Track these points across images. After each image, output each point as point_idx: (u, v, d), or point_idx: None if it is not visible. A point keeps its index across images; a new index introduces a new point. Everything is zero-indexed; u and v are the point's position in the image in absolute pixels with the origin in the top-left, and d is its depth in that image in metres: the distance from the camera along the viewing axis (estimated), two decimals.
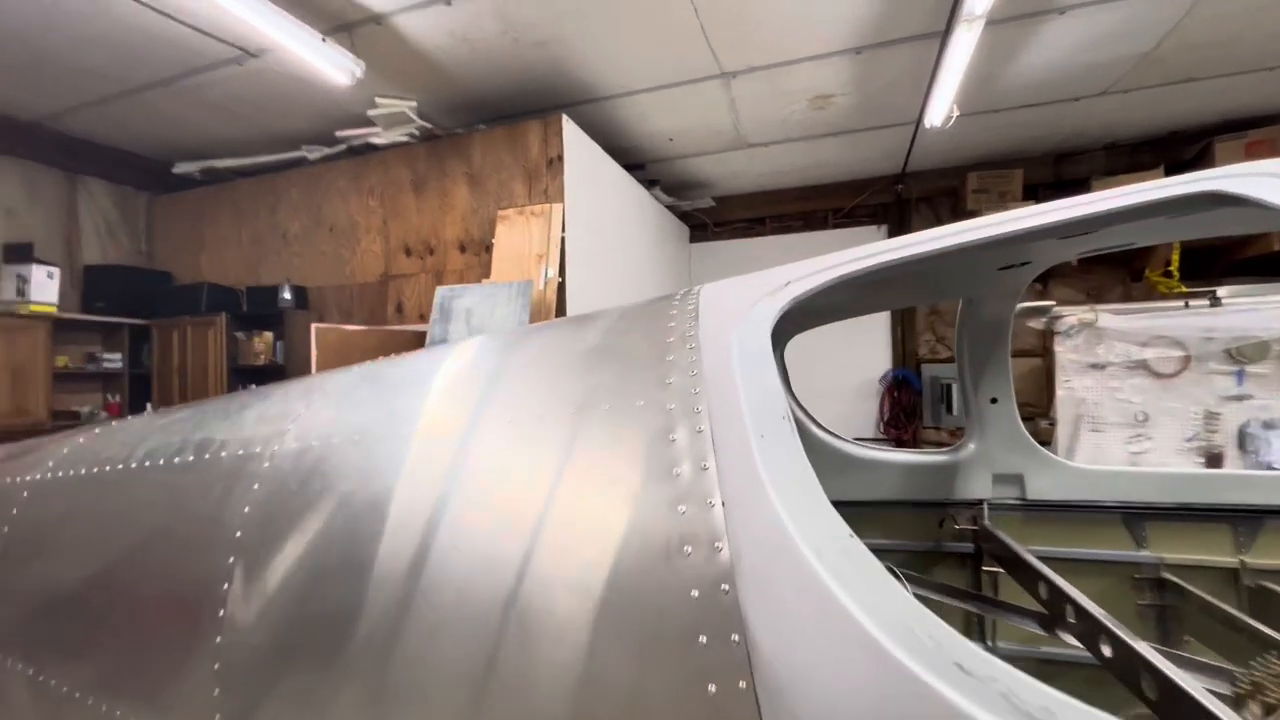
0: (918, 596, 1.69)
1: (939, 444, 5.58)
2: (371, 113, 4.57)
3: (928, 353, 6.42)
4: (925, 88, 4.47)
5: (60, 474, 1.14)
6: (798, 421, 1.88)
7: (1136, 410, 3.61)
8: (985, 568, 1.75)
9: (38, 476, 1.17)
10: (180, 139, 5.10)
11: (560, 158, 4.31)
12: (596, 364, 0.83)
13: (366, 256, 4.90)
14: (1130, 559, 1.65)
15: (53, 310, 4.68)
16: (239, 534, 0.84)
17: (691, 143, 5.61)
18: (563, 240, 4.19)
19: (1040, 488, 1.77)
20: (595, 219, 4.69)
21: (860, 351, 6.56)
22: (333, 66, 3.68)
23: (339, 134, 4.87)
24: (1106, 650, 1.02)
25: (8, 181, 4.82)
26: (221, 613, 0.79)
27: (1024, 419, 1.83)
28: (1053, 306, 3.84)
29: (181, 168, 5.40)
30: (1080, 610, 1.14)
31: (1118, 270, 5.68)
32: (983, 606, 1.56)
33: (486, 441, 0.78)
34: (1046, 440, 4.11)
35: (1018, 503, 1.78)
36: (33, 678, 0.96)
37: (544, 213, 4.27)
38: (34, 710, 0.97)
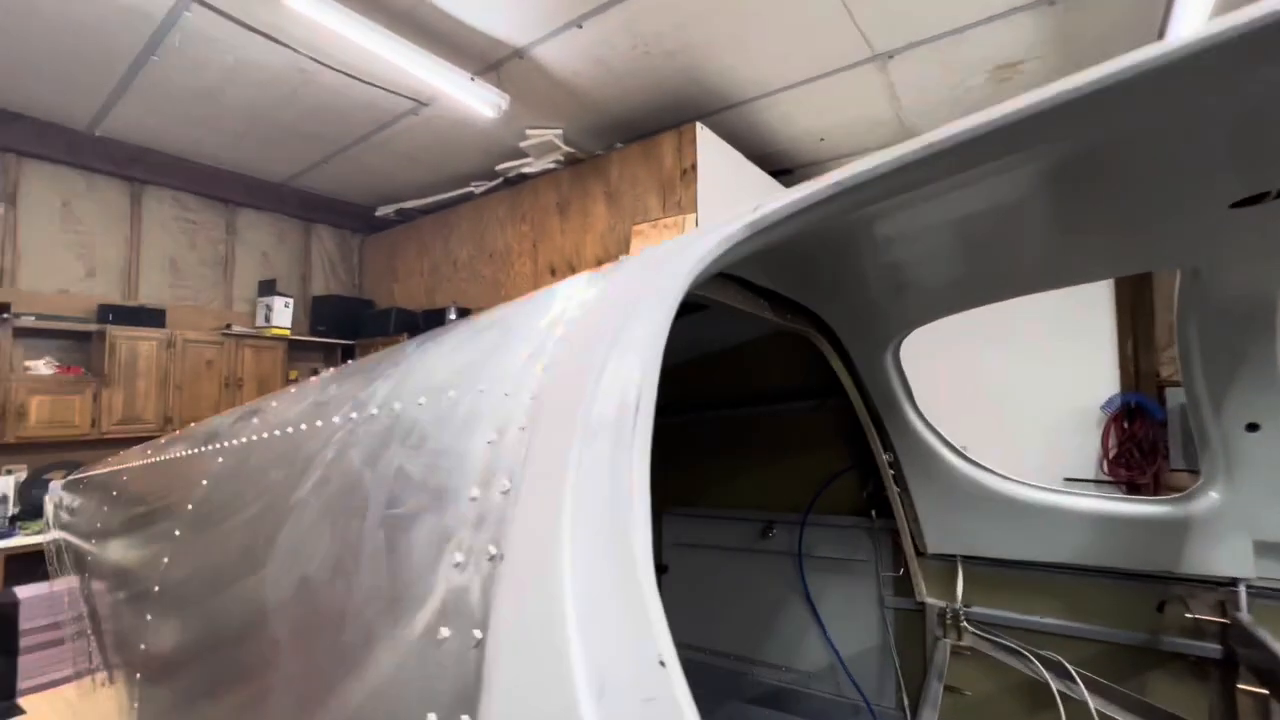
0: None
1: None
2: (523, 144, 4.90)
3: (1175, 372, 4.98)
4: (1156, 35, 3.51)
5: (141, 461, 1.26)
6: (921, 443, 1.43)
7: None
8: (1242, 686, 1.14)
9: (135, 464, 1.31)
10: (379, 186, 5.98)
11: (694, 167, 4.17)
12: (486, 339, 0.63)
13: (518, 278, 5.23)
14: None
15: (287, 333, 5.73)
16: (177, 532, 0.80)
17: (846, 140, 5.11)
18: None
19: None
20: None
21: (1074, 370, 5.32)
22: (481, 102, 4.00)
23: (498, 168, 5.31)
24: None
25: (264, 231, 6.07)
26: (149, 617, 0.74)
27: None
28: None
29: (381, 211, 6.34)
30: None
31: None
32: None
33: (339, 437, 0.63)
34: None
35: None
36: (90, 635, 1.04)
37: (676, 224, 4.15)
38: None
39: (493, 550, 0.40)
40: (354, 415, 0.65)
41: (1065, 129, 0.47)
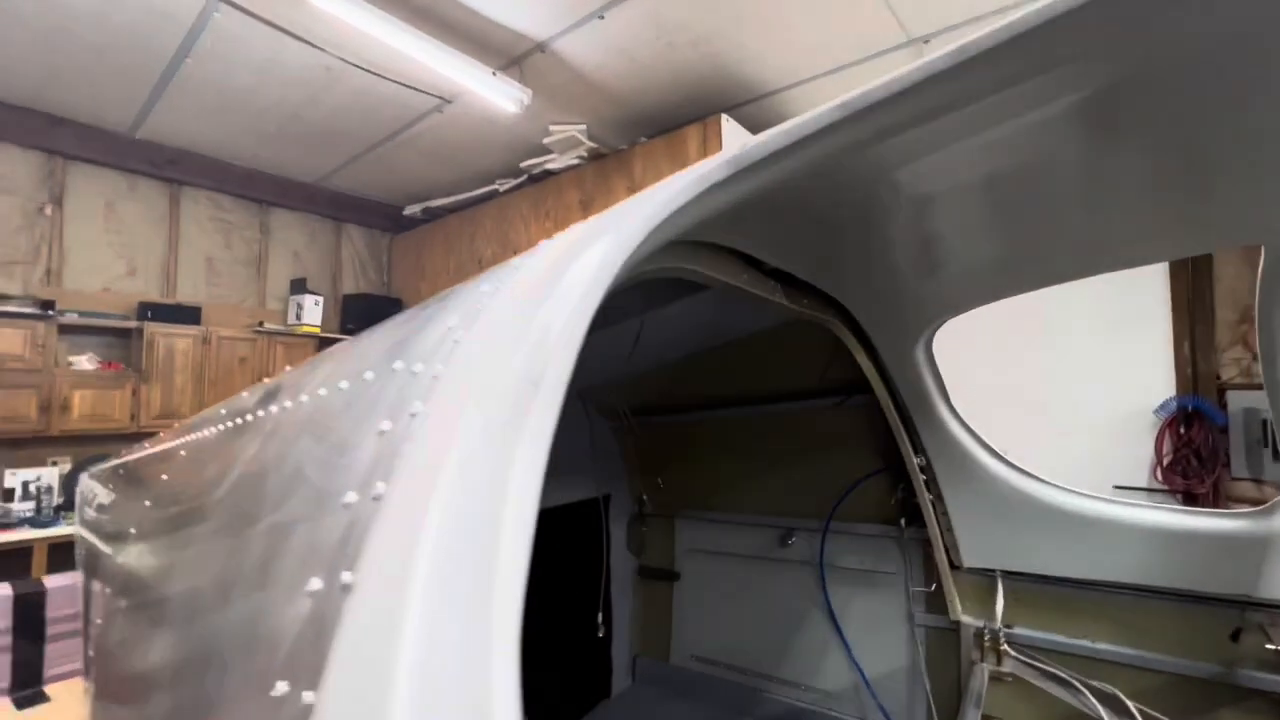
0: None
1: (1256, 503, 3.83)
2: (546, 140, 4.86)
3: (1237, 374, 4.66)
4: None
5: (138, 455, 1.23)
6: (956, 445, 1.29)
7: None
8: None
9: (133, 458, 1.29)
10: (406, 185, 6.03)
11: None
12: (427, 312, 0.56)
13: None
14: None
15: (317, 330, 5.82)
16: (133, 530, 0.75)
17: None
18: None
19: None
20: None
21: (1124, 371, 5.00)
22: (504, 98, 3.97)
23: (522, 165, 5.29)
24: None
25: (296, 230, 6.18)
26: (98, 621, 0.69)
27: None
28: None
29: (409, 209, 6.40)
30: None
31: None
32: None
33: (268, 428, 0.56)
34: None
35: None
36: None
37: None
38: None
39: (346, 579, 0.31)
40: (288, 404, 0.58)
41: (1137, 20, 0.36)
